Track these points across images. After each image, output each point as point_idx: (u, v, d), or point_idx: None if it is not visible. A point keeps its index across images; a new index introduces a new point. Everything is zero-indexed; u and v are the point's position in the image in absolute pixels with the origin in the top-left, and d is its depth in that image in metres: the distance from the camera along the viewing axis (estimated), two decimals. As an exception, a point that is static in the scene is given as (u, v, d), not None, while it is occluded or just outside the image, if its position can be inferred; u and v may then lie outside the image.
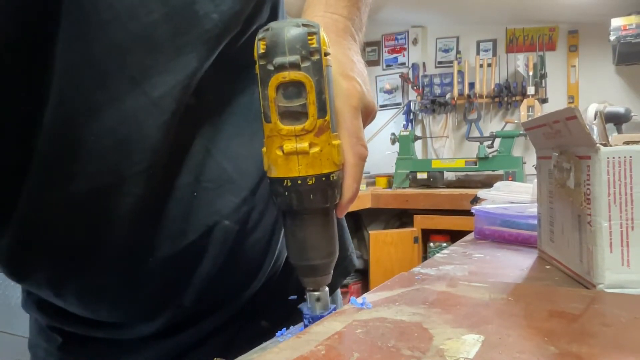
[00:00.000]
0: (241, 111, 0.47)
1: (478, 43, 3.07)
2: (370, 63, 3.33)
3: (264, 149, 0.38)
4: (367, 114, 0.44)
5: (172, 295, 0.47)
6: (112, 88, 0.39)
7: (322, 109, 0.37)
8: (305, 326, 0.40)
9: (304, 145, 0.36)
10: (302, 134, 0.36)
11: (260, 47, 0.36)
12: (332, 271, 0.41)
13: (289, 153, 0.36)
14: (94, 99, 0.39)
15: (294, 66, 0.35)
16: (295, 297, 0.41)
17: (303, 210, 0.38)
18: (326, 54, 0.37)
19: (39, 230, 0.42)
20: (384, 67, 3.34)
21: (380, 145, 3.08)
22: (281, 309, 0.55)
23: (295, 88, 0.36)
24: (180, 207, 0.44)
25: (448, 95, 3.02)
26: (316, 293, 0.40)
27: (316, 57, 0.36)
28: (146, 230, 0.43)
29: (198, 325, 0.50)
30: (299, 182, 0.37)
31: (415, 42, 3.23)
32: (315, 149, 0.37)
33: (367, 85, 0.45)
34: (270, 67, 0.36)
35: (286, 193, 0.37)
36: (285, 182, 0.37)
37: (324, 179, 0.37)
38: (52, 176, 0.40)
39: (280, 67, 0.35)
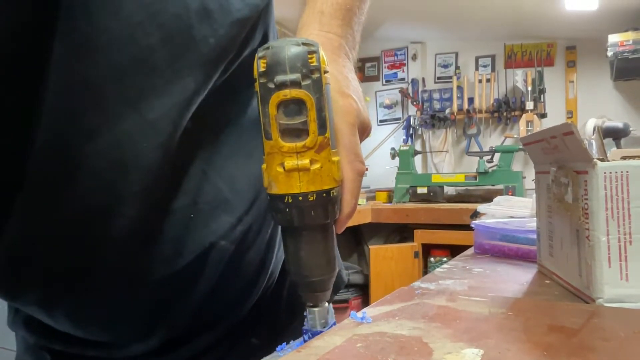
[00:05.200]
0: (236, 133, 0.48)
1: (477, 59, 3.10)
2: (370, 78, 3.35)
3: (264, 166, 0.38)
4: (363, 131, 0.44)
5: (165, 316, 0.47)
6: (109, 110, 0.39)
7: (322, 126, 0.37)
8: (305, 341, 0.40)
9: (305, 161, 0.37)
10: (303, 151, 0.37)
11: (260, 66, 0.36)
12: (331, 287, 0.41)
13: (290, 170, 0.37)
14: (89, 120, 0.38)
15: (295, 84, 0.36)
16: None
17: (303, 227, 0.38)
18: (325, 72, 0.38)
19: (31, 250, 0.41)
20: (384, 82, 3.36)
21: (380, 160, 3.09)
22: (273, 326, 0.55)
23: (296, 106, 0.36)
24: (176, 229, 0.43)
25: (447, 110, 3.04)
26: (316, 309, 0.41)
27: (316, 75, 0.37)
28: (141, 252, 0.43)
29: (191, 344, 0.50)
30: (300, 198, 0.37)
31: (414, 57, 3.26)
32: (316, 166, 0.37)
33: (362, 102, 0.45)
34: (271, 85, 0.36)
35: (287, 209, 0.37)
36: (286, 199, 0.37)
37: (324, 195, 0.38)
38: (46, 196, 0.39)
39: (282, 85, 0.36)
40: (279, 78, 0.36)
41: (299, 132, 0.37)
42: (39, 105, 0.37)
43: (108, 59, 0.38)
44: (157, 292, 0.45)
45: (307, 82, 0.36)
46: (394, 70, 3.34)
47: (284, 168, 0.37)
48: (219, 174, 0.45)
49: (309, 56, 0.36)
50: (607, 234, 0.44)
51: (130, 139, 0.39)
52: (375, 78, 3.37)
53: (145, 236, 0.42)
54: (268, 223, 0.51)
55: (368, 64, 3.38)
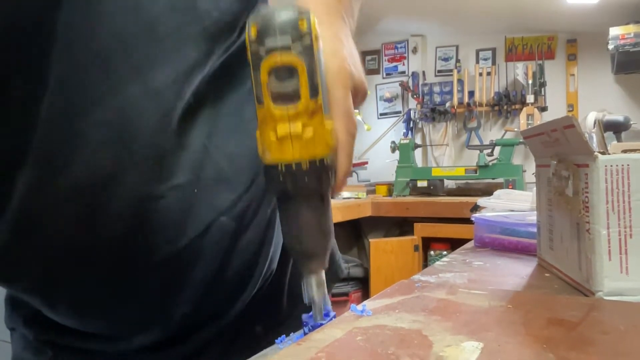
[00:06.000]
0: (236, 111, 0.48)
1: (477, 52, 3.09)
2: (370, 72, 3.34)
3: (258, 133, 0.38)
4: (356, 93, 0.44)
5: (167, 302, 0.46)
6: (114, 77, 0.39)
7: (314, 91, 0.37)
8: (305, 333, 0.40)
9: (297, 127, 0.37)
10: (295, 117, 0.37)
11: (251, 31, 0.36)
12: (328, 256, 0.41)
13: (282, 137, 0.37)
14: (95, 88, 0.39)
15: (286, 49, 0.36)
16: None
17: (298, 195, 0.38)
18: (317, 37, 0.38)
19: (34, 225, 0.41)
20: (384, 75, 3.35)
21: (380, 154, 3.09)
22: (275, 315, 0.55)
23: (287, 71, 0.36)
24: (179, 204, 0.43)
25: (448, 104, 3.03)
26: (314, 279, 0.40)
27: (307, 39, 0.37)
28: (143, 228, 0.42)
29: (195, 336, 0.50)
30: (294, 167, 0.37)
31: (415, 50, 3.24)
32: (309, 133, 0.37)
33: (358, 65, 0.45)
34: (262, 51, 0.36)
35: (281, 178, 0.38)
36: (279, 167, 0.37)
37: (317, 162, 0.38)
38: (50, 167, 0.39)
39: (272, 50, 0.36)
40: (269, 44, 0.36)
41: (290, 97, 0.37)
42: (46, 74, 0.37)
43: (115, 26, 0.39)
44: (160, 273, 0.44)
45: (298, 47, 0.36)
46: (395, 64, 3.33)
47: (276, 135, 0.37)
48: (220, 150, 0.46)
49: (300, 21, 0.36)
50: (608, 227, 0.44)
51: (134, 108, 0.40)
52: (376, 71, 3.36)
53: (148, 210, 0.42)
54: (267, 202, 0.51)
55: (368, 57, 3.37)
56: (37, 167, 0.39)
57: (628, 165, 0.44)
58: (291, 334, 0.42)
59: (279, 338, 0.41)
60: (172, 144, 0.42)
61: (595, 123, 2.03)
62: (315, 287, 0.40)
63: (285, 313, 0.57)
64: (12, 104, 0.38)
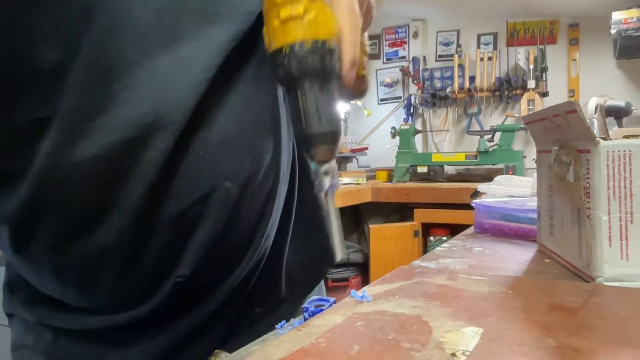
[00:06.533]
0: (250, 85, 0.49)
1: (479, 36, 3.06)
2: (370, 57, 3.30)
3: (264, 28, 0.40)
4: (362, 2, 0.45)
5: (169, 264, 0.47)
6: (146, 47, 0.42)
7: None
8: (305, 319, 0.40)
9: (299, 9, 0.38)
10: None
11: None
12: (338, 142, 0.41)
13: (285, 20, 0.38)
14: (128, 55, 0.41)
15: None
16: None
17: (303, 76, 0.39)
18: None
19: (55, 186, 0.42)
20: (385, 60, 3.33)
21: (380, 139, 3.08)
22: (273, 298, 0.56)
23: None
24: (191, 165, 0.45)
25: (448, 89, 3.01)
26: (324, 166, 0.40)
27: None
28: (159, 188, 0.44)
29: (195, 311, 0.50)
30: (297, 47, 0.38)
31: (415, 35, 3.22)
32: (310, 15, 0.38)
33: None
34: None
35: (285, 61, 0.38)
36: (284, 50, 0.38)
37: (320, 44, 0.39)
38: (75, 132, 0.41)
39: None
40: None
41: None
42: (81, 40, 0.40)
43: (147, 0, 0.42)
44: (165, 233, 0.45)
45: None
46: (395, 49, 3.30)
47: (279, 19, 0.38)
48: (227, 117, 0.47)
49: None
50: (609, 213, 0.44)
51: (163, 75, 0.42)
52: (376, 56, 3.34)
53: (166, 171, 0.43)
54: (270, 176, 0.52)
55: (368, 42, 3.34)
56: (63, 133, 0.41)
57: (630, 151, 0.44)
58: (291, 320, 0.42)
59: (279, 324, 0.41)
60: (194, 109, 0.44)
61: (596, 108, 2.02)
62: (323, 176, 0.40)
63: (284, 295, 0.57)
64: (42, 70, 0.39)
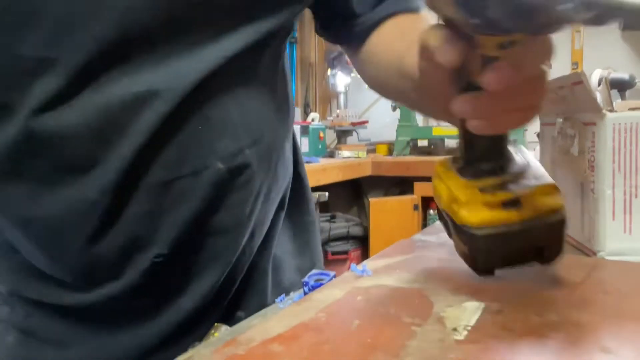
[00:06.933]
0: (261, 79, 0.50)
1: (482, 7, 3.01)
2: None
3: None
4: None
5: (146, 236, 0.46)
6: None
7: None
8: (305, 293, 0.40)
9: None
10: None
11: None
12: None
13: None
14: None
15: None
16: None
17: None
18: None
19: (46, 133, 0.41)
20: (386, 32, 3.28)
21: (381, 113, 3.05)
22: (256, 302, 0.55)
23: None
24: (186, 135, 0.44)
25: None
26: None
27: None
28: (151, 152, 0.43)
29: (174, 303, 0.49)
30: None
31: (417, 6, 3.16)
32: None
33: None
34: None
35: None
36: None
37: None
38: (82, 78, 0.41)
39: None
40: None
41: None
42: None
43: None
44: (145, 202, 0.44)
45: None
46: (396, 20, 3.25)
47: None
48: (233, 99, 0.47)
49: None
50: (613, 187, 0.43)
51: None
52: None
53: (162, 136, 0.43)
54: (265, 172, 0.51)
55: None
56: (66, 78, 0.40)
57: (637, 123, 0.43)
58: (291, 293, 0.42)
59: (279, 297, 0.41)
60: (201, 83, 0.43)
61: (600, 81, 1.99)
62: None
63: (269, 302, 0.57)
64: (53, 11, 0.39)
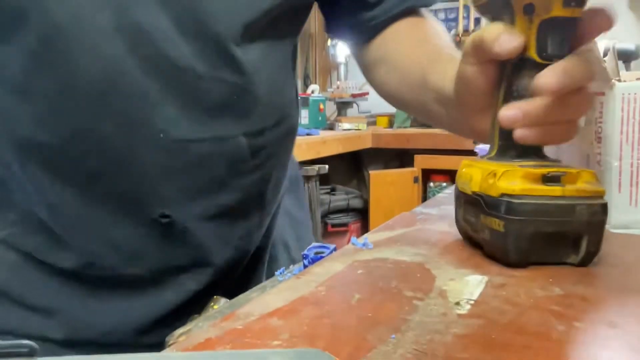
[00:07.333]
0: (288, 60, 0.52)
1: (486, -25, 2.94)
2: None
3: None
4: None
5: (151, 196, 0.44)
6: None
7: None
8: (305, 266, 0.39)
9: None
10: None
11: None
12: None
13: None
14: None
15: None
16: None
17: None
18: None
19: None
20: (387, 1, 3.22)
21: (381, 84, 3.02)
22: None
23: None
24: (215, 94, 0.44)
25: (453, 32, 2.92)
26: None
27: None
28: (178, 108, 0.43)
29: (177, 279, 0.48)
30: None
31: (420, -26, 3.09)
32: None
33: None
34: None
35: None
36: None
37: None
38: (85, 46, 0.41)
39: None
40: None
41: None
42: None
43: None
44: (160, 154, 0.43)
45: None
46: (398, -12, 3.18)
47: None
48: (262, 77, 0.47)
49: None
50: (620, 159, 0.42)
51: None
52: (378, -3, 3.22)
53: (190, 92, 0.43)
54: (277, 159, 0.52)
55: None
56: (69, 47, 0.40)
57: (647, 93, 0.42)
58: (290, 266, 0.42)
59: (279, 270, 0.40)
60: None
61: (606, 51, 1.96)
62: None
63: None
64: None
